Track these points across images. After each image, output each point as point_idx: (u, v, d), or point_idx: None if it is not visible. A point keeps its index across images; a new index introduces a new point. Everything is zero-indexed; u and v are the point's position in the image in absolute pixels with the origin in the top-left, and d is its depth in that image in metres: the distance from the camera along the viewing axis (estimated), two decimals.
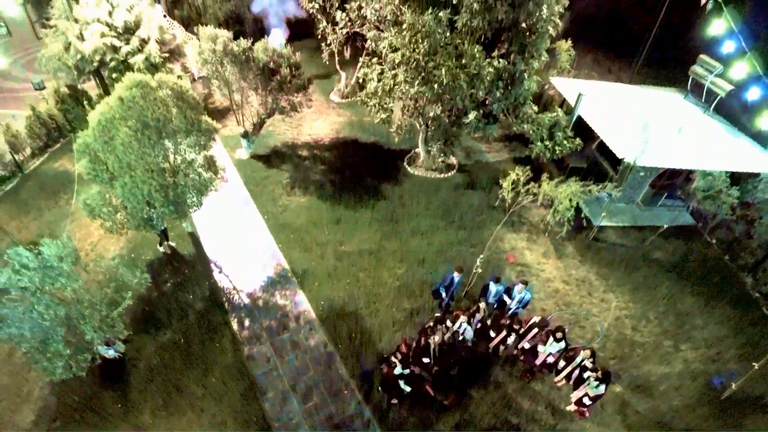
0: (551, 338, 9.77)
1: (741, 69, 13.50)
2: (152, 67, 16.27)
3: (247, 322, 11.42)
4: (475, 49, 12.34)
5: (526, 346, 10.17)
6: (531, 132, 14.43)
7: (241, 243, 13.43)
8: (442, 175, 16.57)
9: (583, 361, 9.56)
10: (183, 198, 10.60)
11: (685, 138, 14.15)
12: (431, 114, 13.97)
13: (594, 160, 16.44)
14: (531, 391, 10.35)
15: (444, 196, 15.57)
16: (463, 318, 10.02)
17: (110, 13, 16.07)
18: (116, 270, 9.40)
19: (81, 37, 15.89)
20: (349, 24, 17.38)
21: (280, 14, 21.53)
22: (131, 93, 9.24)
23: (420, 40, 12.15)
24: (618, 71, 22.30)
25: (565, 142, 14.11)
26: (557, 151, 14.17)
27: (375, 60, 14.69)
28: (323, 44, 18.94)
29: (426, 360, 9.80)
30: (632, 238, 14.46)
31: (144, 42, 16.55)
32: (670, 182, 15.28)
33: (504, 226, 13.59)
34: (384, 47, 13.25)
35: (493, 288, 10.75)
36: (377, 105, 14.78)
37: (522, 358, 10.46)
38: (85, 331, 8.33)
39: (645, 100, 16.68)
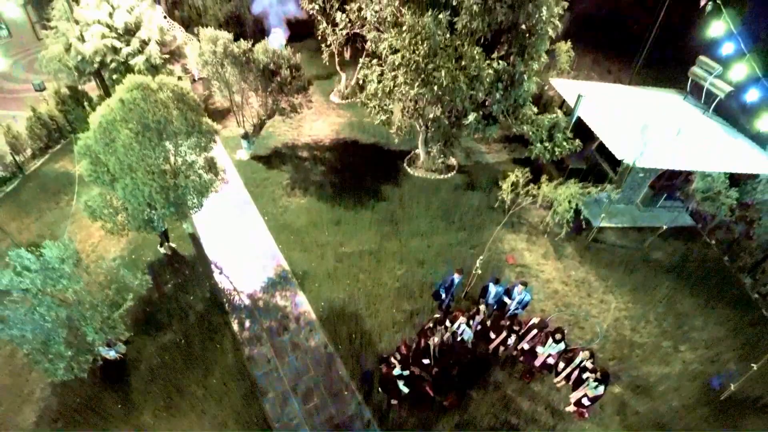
0: (550, 339, 9.81)
1: (740, 70, 13.53)
2: (153, 69, 16.33)
3: (247, 323, 11.46)
4: (475, 51, 12.37)
5: (526, 347, 10.21)
6: (531, 133, 14.46)
7: (241, 244, 13.46)
8: (442, 176, 16.61)
9: (582, 362, 9.60)
10: (184, 199, 10.62)
11: (685, 139, 14.19)
12: (431, 115, 14.02)
13: (593, 161, 16.48)
14: (530, 392, 10.38)
15: (444, 197, 15.61)
16: (462, 319, 10.06)
17: (111, 15, 16.12)
18: (117, 271, 9.43)
19: (81, 39, 15.93)
20: (349, 25, 17.41)
21: (280, 15, 21.58)
22: (132, 95, 9.26)
23: (420, 42, 12.18)
24: (618, 72, 22.35)
25: (564, 143, 14.14)
26: (557, 153, 14.20)
27: (375, 61, 14.73)
28: (323, 45, 18.98)
29: (426, 361, 9.84)
30: (631, 239, 14.50)
31: (144, 43, 16.59)
32: (670, 183, 15.32)
33: (504, 227, 13.62)
34: (384, 48, 13.28)
35: (493, 289, 10.78)
36: (377, 106, 14.83)
37: (522, 359, 10.49)
38: (87, 333, 8.36)
39: (644, 102, 16.72)
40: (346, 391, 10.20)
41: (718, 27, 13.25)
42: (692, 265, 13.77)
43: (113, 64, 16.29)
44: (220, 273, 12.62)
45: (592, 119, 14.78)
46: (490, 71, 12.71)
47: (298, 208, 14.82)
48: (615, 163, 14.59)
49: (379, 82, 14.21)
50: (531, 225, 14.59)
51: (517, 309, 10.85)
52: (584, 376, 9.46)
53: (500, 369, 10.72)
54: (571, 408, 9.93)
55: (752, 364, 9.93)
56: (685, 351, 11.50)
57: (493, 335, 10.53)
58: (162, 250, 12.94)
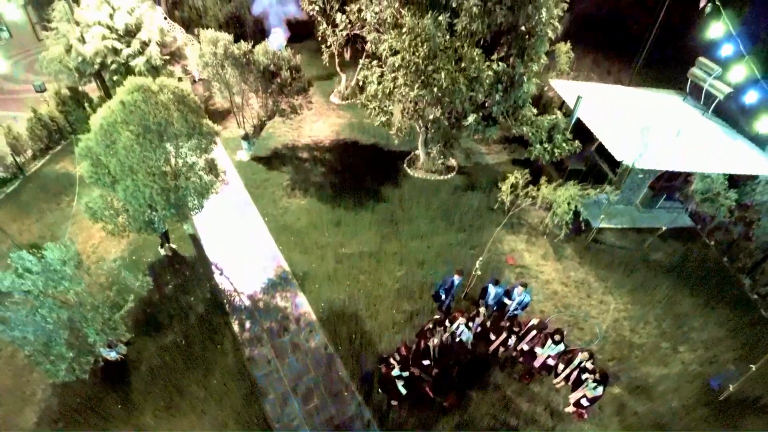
0: (550, 341, 9.85)
1: (739, 72, 13.55)
2: (153, 70, 16.37)
3: (247, 324, 11.50)
4: (475, 53, 12.40)
5: (525, 348, 10.24)
6: (530, 134, 14.49)
7: (241, 245, 13.50)
8: (442, 177, 16.65)
9: (581, 362, 9.64)
10: (184, 201, 10.66)
11: (684, 140, 14.22)
12: (431, 116, 14.06)
13: (593, 162, 16.51)
14: (530, 393, 10.42)
15: (444, 198, 15.65)
16: (461, 319, 10.09)
17: (111, 16, 16.15)
18: (118, 273, 9.47)
19: (82, 40, 15.97)
20: (349, 26, 17.44)
21: (281, 15, 21.58)
22: (133, 97, 9.30)
23: (420, 44, 12.21)
24: (617, 72, 22.36)
25: (564, 144, 14.17)
26: (556, 154, 14.24)
27: (375, 63, 14.76)
28: (323, 46, 19.01)
29: (426, 362, 9.87)
30: (631, 239, 14.54)
31: (145, 44, 16.62)
32: (669, 184, 15.35)
33: (503, 228, 13.66)
34: (384, 50, 13.31)
35: (492, 290, 10.82)
36: (377, 108, 14.87)
37: (521, 360, 10.53)
38: (88, 334, 8.41)
39: (644, 103, 16.75)
40: (346, 391, 10.24)
41: (717, 28, 13.26)
42: (691, 266, 13.80)
43: (114, 66, 16.33)
44: (221, 274, 12.65)
45: (591, 120, 14.82)
46: (490, 73, 12.74)
47: (299, 209, 14.85)
48: (614, 164, 14.62)
49: (379, 83, 14.24)
50: (531, 226, 14.63)
51: (516, 310, 10.89)
52: (583, 377, 9.50)
53: (500, 370, 10.76)
54: (571, 409, 9.97)
55: (751, 365, 9.96)
56: (685, 352, 11.54)
57: (493, 337, 10.56)
58: (162, 252, 12.97)
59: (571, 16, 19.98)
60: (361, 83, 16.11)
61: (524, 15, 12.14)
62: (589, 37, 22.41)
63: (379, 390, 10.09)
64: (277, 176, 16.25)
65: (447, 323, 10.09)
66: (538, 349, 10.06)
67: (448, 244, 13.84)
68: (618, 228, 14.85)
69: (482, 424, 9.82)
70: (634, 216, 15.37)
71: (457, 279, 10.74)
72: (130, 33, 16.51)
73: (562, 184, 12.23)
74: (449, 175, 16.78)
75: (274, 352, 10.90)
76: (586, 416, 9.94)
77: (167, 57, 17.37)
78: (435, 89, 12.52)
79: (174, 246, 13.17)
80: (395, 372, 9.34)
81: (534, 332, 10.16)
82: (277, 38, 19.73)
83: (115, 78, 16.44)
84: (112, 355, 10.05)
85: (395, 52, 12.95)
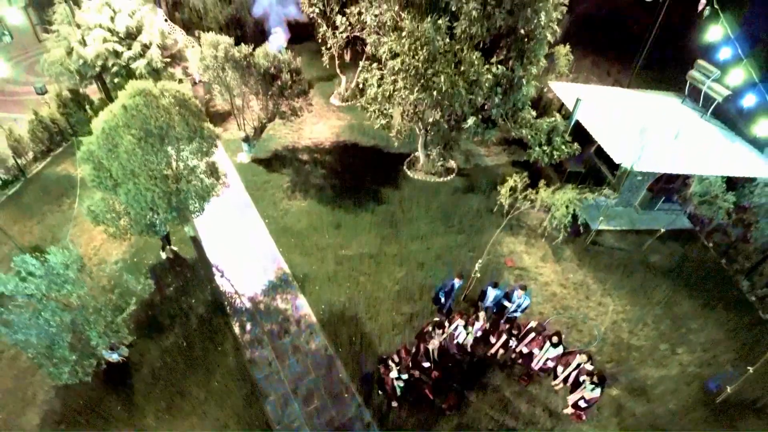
0: (548, 343, 9.91)
1: (737, 75, 13.61)
2: (154, 72, 16.42)
3: (248, 326, 11.57)
4: (474, 56, 12.46)
5: (524, 350, 10.31)
6: (529, 137, 14.55)
7: (242, 247, 13.57)
8: (442, 179, 16.71)
9: (580, 364, 9.71)
10: (185, 204, 10.73)
11: (683, 142, 14.29)
12: (430, 119, 14.12)
13: (592, 164, 16.58)
14: (529, 395, 10.49)
15: (443, 200, 15.71)
16: (459, 321, 10.16)
17: (112, 19, 16.21)
18: (120, 275, 9.54)
19: (83, 43, 16.04)
20: (349, 28, 17.50)
21: (281, 16, 21.65)
22: (134, 101, 9.35)
23: (419, 47, 12.26)
24: (617, 74, 22.43)
25: (563, 146, 14.22)
26: (555, 156, 14.29)
27: (375, 65, 14.82)
28: (323, 48, 19.06)
29: (426, 364, 9.95)
30: (630, 241, 14.60)
31: (146, 47, 16.68)
32: (668, 186, 15.42)
33: (502, 230, 13.71)
34: (384, 52, 13.37)
35: (491, 293, 10.89)
36: (377, 111, 14.93)
37: (520, 361, 10.60)
38: (91, 337, 8.48)
39: (642, 105, 16.82)
40: (347, 393, 10.32)
41: (715, 31, 13.32)
42: (690, 268, 13.87)
43: (115, 68, 16.38)
44: (222, 276, 12.73)
45: (590, 123, 14.89)
46: (489, 76, 12.80)
47: (299, 211, 14.92)
48: (613, 166, 14.69)
49: (379, 86, 14.30)
50: (530, 228, 14.69)
51: (514, 311, 10.96)
52: (581, 378, 9.56)
53: (499, 372, 10.83)
54: (569, 410, 10.04)
55: (748, 367, 10.02)
56: (683, 353, 11.61)
57: (493, 340, 10.63)
58: (163, 255, 13.04)
59: (570, 17, 20.01)
60: (361, 85, 16.17)
61: (523, 18, 12.19)
62: (588, 38, 22.48)
63: (379, 392, 10.17)
64: (277, 178, 16.32)
65: (446, 324, 10.16)
66: (536, 351, 10.13)
67: (448, 246, 13.91)
68: (617, 230, 14.91)
69: (481, 425, 9.90)
70: (632, 218, 15.44)
71: (457, 282, 10.80)
72: (131, 36, 16.56)
73: (560, 186, 12.28)
74: (449, 177, 16.85)
75: (274, 353, 10.98)
76: (584, 417, 10.02)
77: (168, 59, 17.41)
78: (434, 92, 12.58)
79: (175, 248, 13.24)
80: (393, 374, 9.41)
81: (533, 334, 10.22)
82: (278, 40, 19.84)
83: (116, 80, 16.50)
84: (114, 357, 10.12)
85: (395, 55, 13.01)
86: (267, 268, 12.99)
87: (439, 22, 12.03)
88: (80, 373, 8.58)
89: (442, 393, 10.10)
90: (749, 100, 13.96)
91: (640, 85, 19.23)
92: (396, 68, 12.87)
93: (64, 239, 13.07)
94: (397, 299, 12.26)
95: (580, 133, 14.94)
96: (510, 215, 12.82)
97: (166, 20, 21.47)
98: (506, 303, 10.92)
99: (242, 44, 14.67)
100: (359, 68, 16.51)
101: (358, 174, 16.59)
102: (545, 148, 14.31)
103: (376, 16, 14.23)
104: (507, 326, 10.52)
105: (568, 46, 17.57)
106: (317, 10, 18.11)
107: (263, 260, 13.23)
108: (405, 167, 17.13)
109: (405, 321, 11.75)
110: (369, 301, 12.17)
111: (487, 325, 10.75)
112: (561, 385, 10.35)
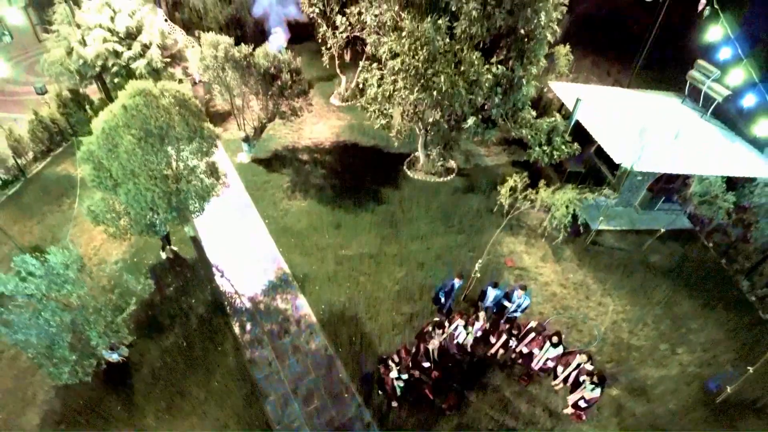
0: (548, 343, 9.91)
1: (737, 75, 13.62)
2: (154, 72, 16.42)
3: (248, 326, 11.57)
4: (474, 56, 12.46)
5: (524, 350, 10.31)
6: (529, 137, 14.55)
7: (242, 247, 13.57)
8: (442, 179, 16.71)
9: (580, 364, 9.71)
10: (185, 204, 10.73)
11: (683, 142, 14.29)
12: (430, 119, 14.12)
13: (592, 165, 16.58)
14: (529, 395, 10.50)
15: (443, 200, 15.72)
16: (460, 321, 10.16)
17: (112, 19, 16.21)
18: (120, 275, 9.54)
19: (83, 43, 16.03)
20: (349, 28, 17.50)
21: (281, 16, 21.65)
22: (134, 101, 9.35)
23: (419, 48, 12.27)
24: (617, 74, 22.43)
25: (563, 146, 14.22)
26: (555, 156, 14.29)
27: (375, 65, 14.83)
28: (323, 48, 19.07)
29: (426, 364, 9.95)
30: (630, 241, 14.60)
31: (146, 47, 16.68)
32: (668, 186, 15.42)
33: (502, 230, 13.71)
34: (384, 52, 13.38)
35: (491, 293, 10.89)
36: (377, 111, 14.94)
37: (520, 361, 10.60)
38: (91, 337, 8.48)
39: (642, 105, 16.82)
40: (347, 393, 10.32)
41: (715, 32, 13.32)
42: (690, 268, 13.87)
43: (115, 68, 16.38)
44: (222, 276, 12.73)
45: (590, 123, 14.88)
46: (489, 76, 12.80)
47: (299, 211, 14.92)
48: (613, 166, 14.69)
49: (379, 86, 14.31)
50: (530, 228, 14.69)
51: (514, 311, 10.96)
52: (581, 378, 9.56)
53: (499, 372, 10.83)
54: (569, 410, 10.04)
55: (748, 367, 10.02)
56: (683, 353, 11.61)
57: (493, 340, 10.63)
58: (163, 255, 13.04)
59: (570, 17, 20.01)
60: (361, 85, 16.17)
61: (523, 18, 12.19)
62: (588, 38, 22.47)
63: (379, 392, 10.17)
64: (277, 178, 16.32)
65: (446, 324, 10.16)
66: (536, 351, 10.13)
67: (448, 246, 13.91)
68: (617, 230, 14.91)
69: (481, 425, 9.90)
70: (632, 218, 15.44)
71: (457, 282, 10.80)
72: (131, 36, 16.56)
73: (560, 186, 12.28)
74: (449, 177, 16.85)
75: (274, 353, 10.98)
76: (584, 417, 10.02)
77: (168, 59, 17.41)
78: (434, 92, 12.58)
79: (175, 248, 13.24)
80: (393, 374, 9.41)
81: (533, 334, 10.23)
82: (278, 39, 19.84)
83: (116, 80, 16.50)
84: (114, 357, 10.12)
85: (395, 55, 13.01)
86: (267, 268, 12.99)
87: (439, 22, 12.03)
88: (80, 373, 8.58)
89: (442, 393, 10.11)
90: (749, 100, 13.97)
91: (640, 85, 19.23)
92: (396, 68, 12.87)
93: (64, 239, 13.07)
94: (397, 299, 12.27)
95: (580, 133, 14.95)
96: (510, 215, 12.82)
97: (166, 20, 21.47)
98: (506, 303, 10.93)
99: (242, 44, 14.67)
100: (359, 68, 16.50)
101: (358, 174, 16.59)
102: (545, 148, 14.32)
103: (376, 16, 14.24)
104: (507, 326, 10.52)
105: (568, 46, 17.57)
106: (317, 10, 18.11)
107: (263, 260, 13.23)
108: (405, 167, 17.13)
109: (405, 321, 11.76)
110: (369, 301, 12.17)
111: (487, 325, 10.76)
112: (561, 385, 10.35)
